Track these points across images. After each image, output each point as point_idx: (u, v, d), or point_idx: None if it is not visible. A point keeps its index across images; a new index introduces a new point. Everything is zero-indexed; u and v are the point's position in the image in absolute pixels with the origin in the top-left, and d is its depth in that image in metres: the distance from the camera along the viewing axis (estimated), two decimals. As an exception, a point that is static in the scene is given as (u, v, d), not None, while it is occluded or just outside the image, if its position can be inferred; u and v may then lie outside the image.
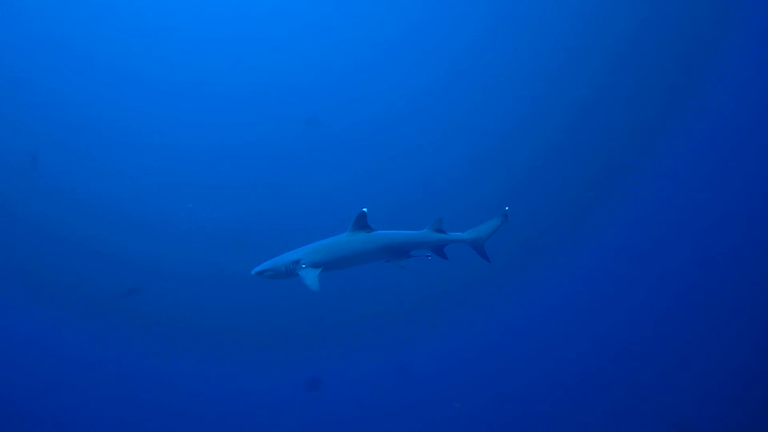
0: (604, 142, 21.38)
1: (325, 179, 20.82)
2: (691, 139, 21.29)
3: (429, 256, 7.26)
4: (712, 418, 13.18)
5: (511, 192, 20.78)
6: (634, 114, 21.16)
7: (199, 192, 20.78)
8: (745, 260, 18.43)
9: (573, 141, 21.35)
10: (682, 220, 20.56)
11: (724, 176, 20.85)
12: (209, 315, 16.88)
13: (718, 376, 14.70)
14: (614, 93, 21.30)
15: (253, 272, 6.83)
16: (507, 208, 7.35)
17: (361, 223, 6.95)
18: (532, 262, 19.47)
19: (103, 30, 22.34)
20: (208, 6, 23.29)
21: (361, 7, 22.54)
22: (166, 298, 17.20)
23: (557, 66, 21.74)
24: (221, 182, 21.15)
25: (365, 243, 6.90)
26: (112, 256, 18.62)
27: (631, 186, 21.28)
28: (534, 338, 17.09)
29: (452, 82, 22.73)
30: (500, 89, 22.44)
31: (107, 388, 14.91)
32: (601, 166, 21.42)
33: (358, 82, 22.88)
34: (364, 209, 6.90)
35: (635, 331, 16.96)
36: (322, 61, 22.99)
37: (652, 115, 21.16)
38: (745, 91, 20.68)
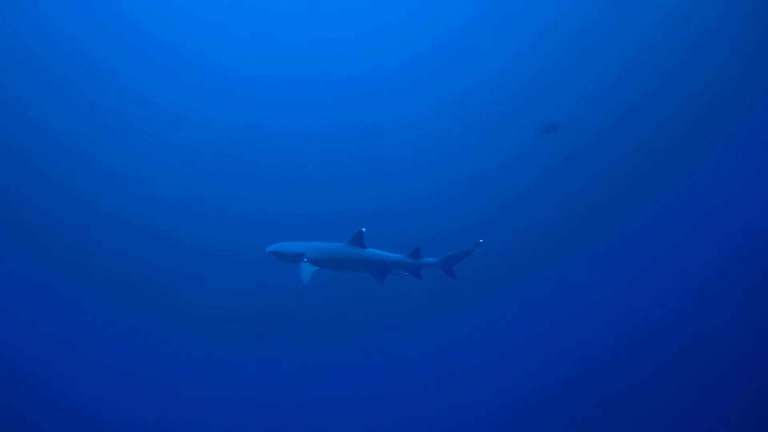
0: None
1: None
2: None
3: (406, 275, 8.87)
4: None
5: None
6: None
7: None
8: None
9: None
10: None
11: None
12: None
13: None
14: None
15: (267, 250, 8.38)
16: (481, 240, 8.75)
17: (358, 240, 8.46)
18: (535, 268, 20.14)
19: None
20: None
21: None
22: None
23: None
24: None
25: (357, 256, 8.50)
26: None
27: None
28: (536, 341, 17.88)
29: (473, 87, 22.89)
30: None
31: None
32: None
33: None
34: (363, 229, 8.39)
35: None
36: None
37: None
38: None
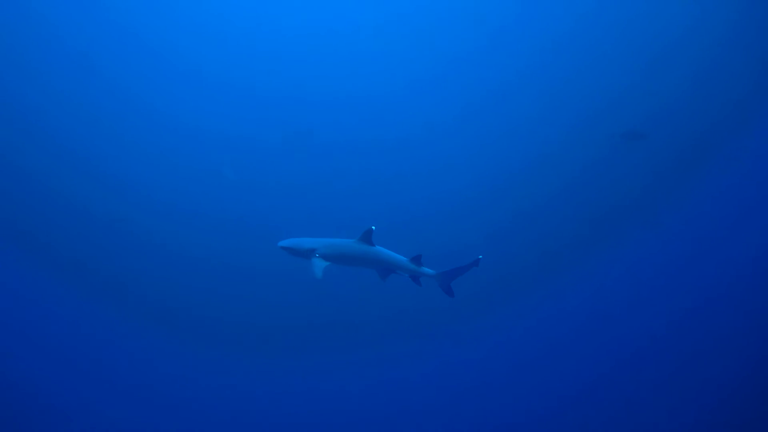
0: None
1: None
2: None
3: (409, 278, 8.94)
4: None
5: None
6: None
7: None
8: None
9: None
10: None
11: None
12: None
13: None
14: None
15: (279, 245, 8.57)
16: (480, 256, 8.81)
17: (367, 237, 8.63)
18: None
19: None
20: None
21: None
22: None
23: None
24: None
25: (365, 253, 8.71)
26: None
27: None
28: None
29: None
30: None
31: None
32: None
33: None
34: (373, 227, 8.51)
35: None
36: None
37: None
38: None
